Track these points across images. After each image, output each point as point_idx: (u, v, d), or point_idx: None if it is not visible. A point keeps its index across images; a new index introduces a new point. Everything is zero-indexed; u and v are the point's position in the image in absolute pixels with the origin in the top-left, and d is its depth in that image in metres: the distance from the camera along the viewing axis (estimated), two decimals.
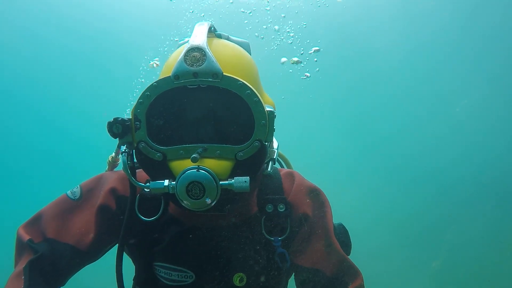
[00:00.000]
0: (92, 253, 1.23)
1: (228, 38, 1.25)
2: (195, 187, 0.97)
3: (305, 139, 15.19)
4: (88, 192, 1.26)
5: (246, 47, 1.26)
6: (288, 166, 1.73)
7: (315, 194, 1.29)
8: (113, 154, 1.45)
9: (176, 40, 1.42)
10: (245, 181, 1.00)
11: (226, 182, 1.00)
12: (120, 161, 1.44)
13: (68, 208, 1.23)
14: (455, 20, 11.62)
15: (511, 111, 13.17)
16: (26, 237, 1.18)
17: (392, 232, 11.54)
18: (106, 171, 1.47)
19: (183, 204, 1.01)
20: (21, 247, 1.19)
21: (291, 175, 1.33)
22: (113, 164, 1.49)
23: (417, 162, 13.68)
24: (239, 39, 1.29)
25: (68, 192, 1.27)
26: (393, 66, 13.51)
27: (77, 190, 1.26)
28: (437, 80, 13.39)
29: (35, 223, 1.22)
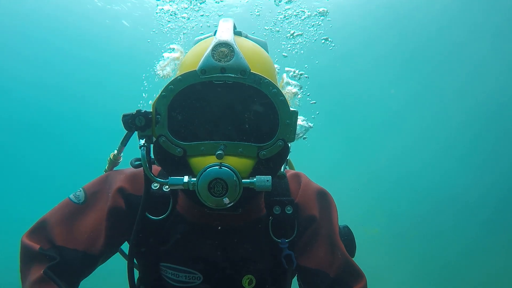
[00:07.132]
0: (104, 256, 1.19)
1: (247, 37, 1.23)
2: (218, 185, 0.95)
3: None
4: (93, 195, 1.21)
5: (264, 46, 1.25)
6: (291, 167, 1.73)
7: (322, 196, 1.30)
8: (115, 152, 1.39)
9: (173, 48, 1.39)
10: (267, 180, 0.98)
11: (248, 180, 0.99)
12: (121, 159, 1.41)
13: (73, 212, 1.18)
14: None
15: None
16: (35, 245, 1.11)
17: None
18: (105, 169, 1.41)
19: (202, 201, 0.98)
20: (31, 256, 1.12)
21: (297, 177, 1.33)
22: (114, 162, 1.43)
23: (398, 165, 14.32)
24: (258, 38, 1.27)
25: (71, 196, 1.21)
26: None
27: (80, 193, 1.21)
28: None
29: (40, 231, 1.15)
